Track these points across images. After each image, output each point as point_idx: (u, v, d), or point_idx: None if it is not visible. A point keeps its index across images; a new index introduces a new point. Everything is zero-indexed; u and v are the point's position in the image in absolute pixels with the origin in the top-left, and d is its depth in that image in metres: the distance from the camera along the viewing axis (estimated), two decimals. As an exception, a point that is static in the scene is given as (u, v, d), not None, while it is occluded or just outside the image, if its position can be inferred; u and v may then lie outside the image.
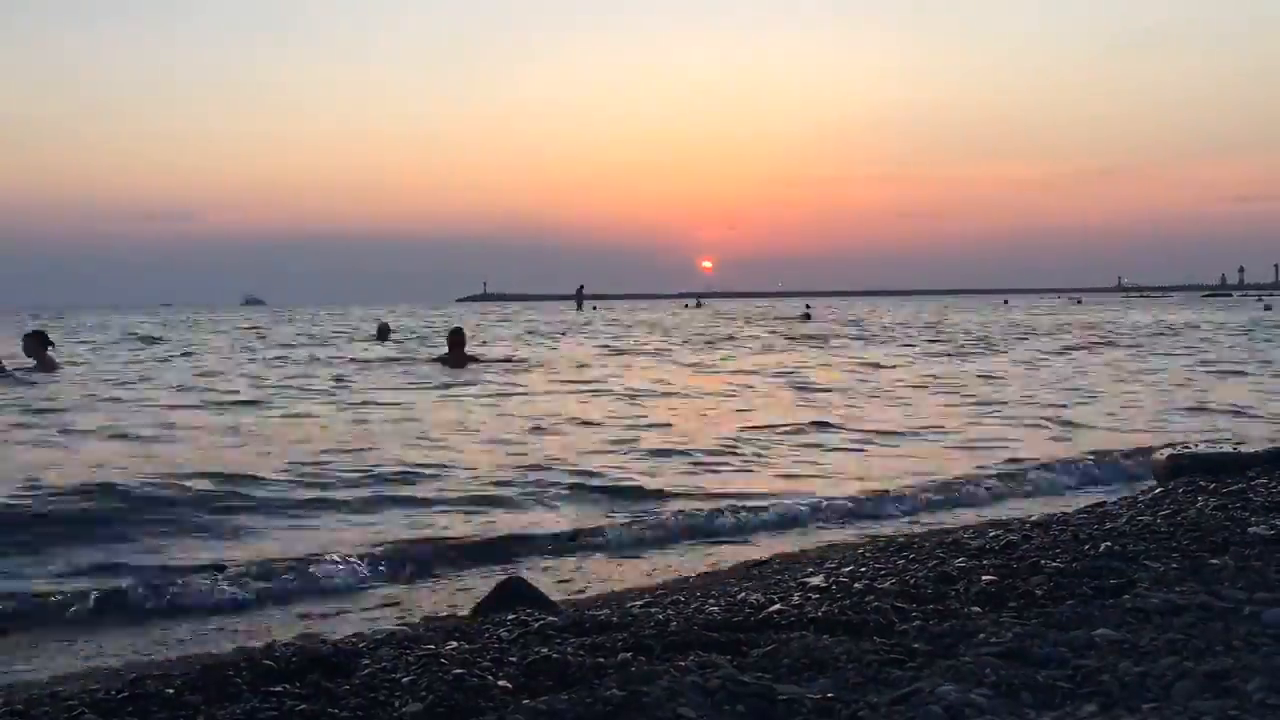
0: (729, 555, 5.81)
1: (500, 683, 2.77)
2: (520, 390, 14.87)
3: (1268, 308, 63.99)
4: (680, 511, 6.76)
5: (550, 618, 3.68)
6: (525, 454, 8.92)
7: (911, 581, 3.89)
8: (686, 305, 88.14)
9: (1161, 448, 7.09)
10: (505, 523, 6.50)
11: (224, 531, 6.26)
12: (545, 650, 3.05)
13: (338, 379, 16.89)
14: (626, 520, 6.52)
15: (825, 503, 7.02)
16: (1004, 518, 6.06)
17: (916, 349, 25.23)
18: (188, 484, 7.21)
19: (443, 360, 18.45)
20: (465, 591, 5.16)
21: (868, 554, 4.79)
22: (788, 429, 10.63)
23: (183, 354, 25.10)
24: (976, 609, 3.39)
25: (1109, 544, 4.33)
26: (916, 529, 6.15)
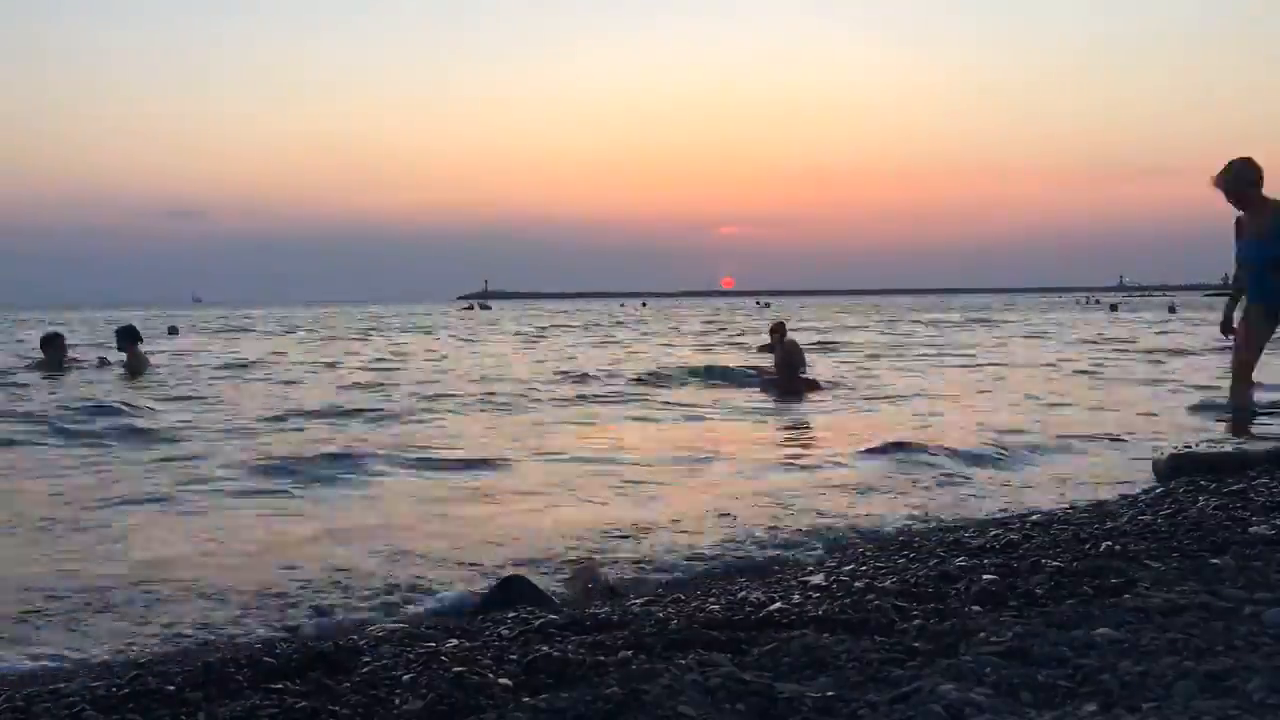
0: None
1: (501, 680, 2.76)
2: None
3: None
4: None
5: (551, 615, 3.67)
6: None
7: (912, 580, 3.89)
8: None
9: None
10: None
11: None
12: (546, 648, 3.05)
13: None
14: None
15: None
16: (1005, 516, 6.05)
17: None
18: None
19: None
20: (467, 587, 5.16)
21: (869, 553, 4.79)
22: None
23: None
24: (977, 608, 3.39)
25: (1110, 543, 4.34)
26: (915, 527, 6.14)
